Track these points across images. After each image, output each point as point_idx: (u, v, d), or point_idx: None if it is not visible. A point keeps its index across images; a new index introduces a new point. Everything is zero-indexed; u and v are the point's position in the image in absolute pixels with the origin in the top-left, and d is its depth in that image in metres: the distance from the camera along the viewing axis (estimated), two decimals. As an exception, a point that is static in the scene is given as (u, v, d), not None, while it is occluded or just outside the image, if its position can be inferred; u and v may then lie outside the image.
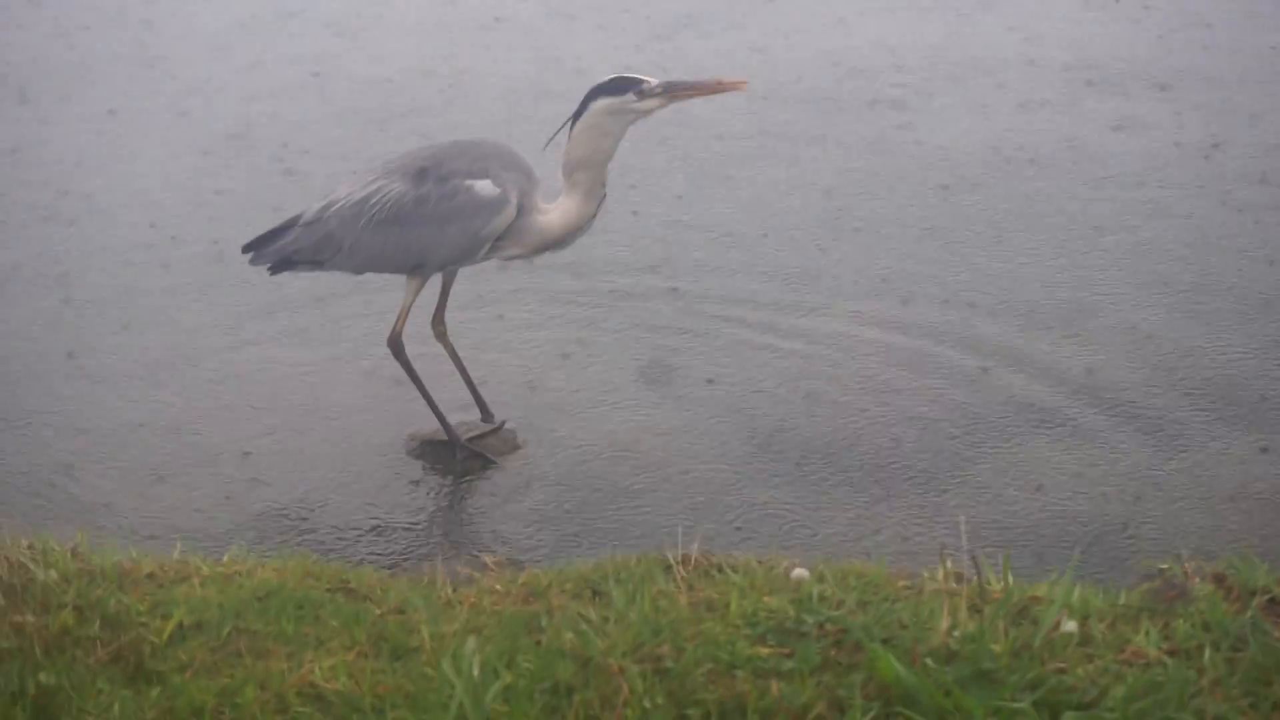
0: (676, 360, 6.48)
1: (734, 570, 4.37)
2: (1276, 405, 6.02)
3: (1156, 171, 8.21)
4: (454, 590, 4.40)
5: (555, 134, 5.37)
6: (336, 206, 5.62)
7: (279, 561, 4.65)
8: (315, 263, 5.70)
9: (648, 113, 5.27)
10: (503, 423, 5.95)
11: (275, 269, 5.80)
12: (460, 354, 5.91)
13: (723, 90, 5.31)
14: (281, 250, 5.71)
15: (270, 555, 4.79)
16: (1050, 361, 6.36)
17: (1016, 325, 6.68)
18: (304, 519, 5.41)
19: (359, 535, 5.29)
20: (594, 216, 5.46)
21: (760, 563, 4.47)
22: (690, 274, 7.27)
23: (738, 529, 5.24)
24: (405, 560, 5.11)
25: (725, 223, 7.81)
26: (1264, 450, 5.69)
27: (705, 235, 7.68)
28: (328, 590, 4.38)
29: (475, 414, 5.95)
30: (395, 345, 5.73)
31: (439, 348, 5.89)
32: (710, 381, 6.30)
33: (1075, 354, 6.42)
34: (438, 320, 5.86)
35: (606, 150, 5.33)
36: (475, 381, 5.94)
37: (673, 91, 5.24)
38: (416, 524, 5.38)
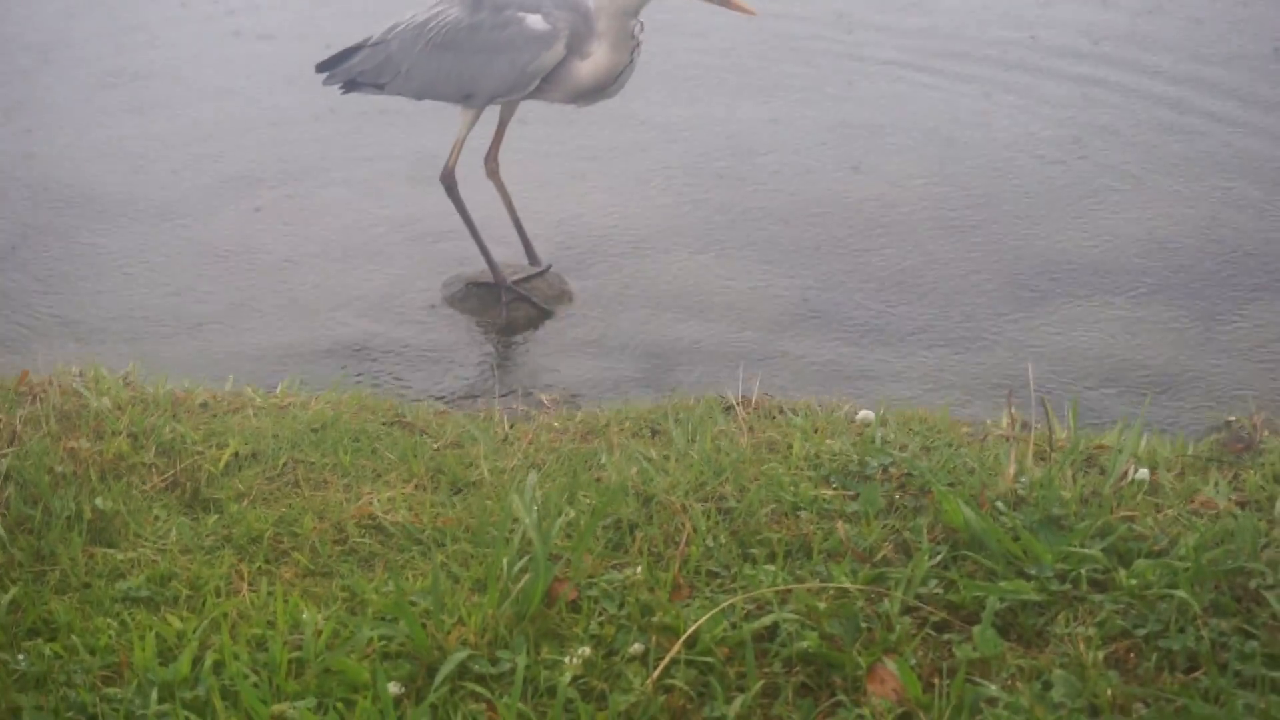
0: (734, 207, 6.38)
1: (795, 413, 4.33)
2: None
3: None
4: (511, 427, 4.36)
5: None
6: (400, 29, 5.60)
7: (333, 395, 4.61)
8: (377, 85, 5.69)
9: None
10: (548, 266, 5.87)
11: (345, 89, 5.79)
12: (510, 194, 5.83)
13: (728, 6, 5.19)
14: (349, 71, 5.71)
15: (322, 390, 4.73)
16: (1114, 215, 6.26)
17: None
18: (350, 356, 5.35)
19: (408, 373, 5.24)
20: (629, 66, 5.36)
21: (822, 405, 4.42)
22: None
23: (795, 374, 5.16)
24: (457, 398, 5.05)
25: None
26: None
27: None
28: (383, 424, 4.34)
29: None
30: (448, 180, 5.65)
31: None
32: (761, 228, 6.20)
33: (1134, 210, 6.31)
34: (490, 158, 5.77)
35: (619, 7, 5.21)
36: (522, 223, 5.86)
37: None
38: (465, 364, 5.32)
